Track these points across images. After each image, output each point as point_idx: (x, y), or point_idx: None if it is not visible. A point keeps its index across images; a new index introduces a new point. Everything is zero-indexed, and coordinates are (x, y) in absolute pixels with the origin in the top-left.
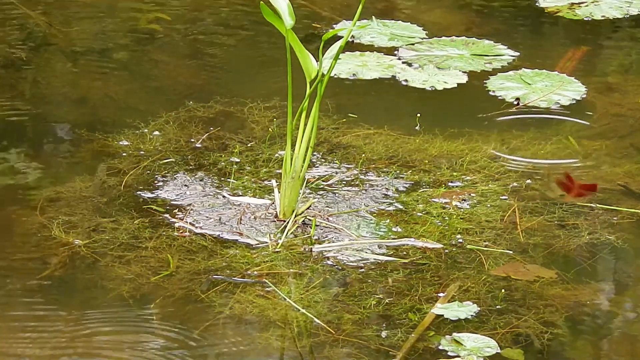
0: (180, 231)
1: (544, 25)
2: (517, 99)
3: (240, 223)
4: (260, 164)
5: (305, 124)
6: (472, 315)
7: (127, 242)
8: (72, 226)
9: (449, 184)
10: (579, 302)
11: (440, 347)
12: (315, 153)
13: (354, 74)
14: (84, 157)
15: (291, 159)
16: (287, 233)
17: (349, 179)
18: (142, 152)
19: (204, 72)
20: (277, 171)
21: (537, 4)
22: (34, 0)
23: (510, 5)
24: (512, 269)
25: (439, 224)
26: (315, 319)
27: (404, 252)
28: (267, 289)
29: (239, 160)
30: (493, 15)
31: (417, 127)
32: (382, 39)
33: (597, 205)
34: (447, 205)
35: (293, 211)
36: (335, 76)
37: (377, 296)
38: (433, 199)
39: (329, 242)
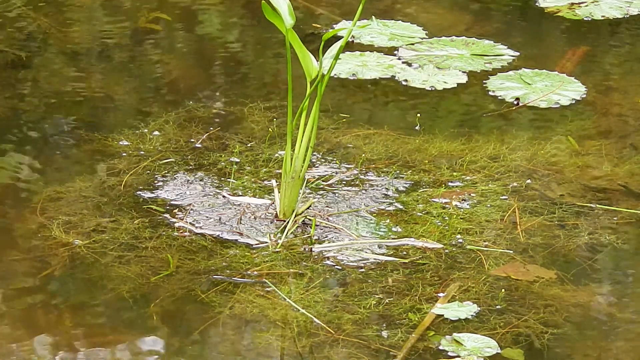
0: (180, 231)
1: (544, 25)
2: (517, 99)
3: (240, 223)
4: (260, 164)
5: (305, 124)
6: (472, 315)
7: (127, 242)
8: (72, 226)
9: (449, 184)
10: (579, 302)
11: (441, 347)
12: (315, 153)
13: (354, 74)
14: (84, 157)
15: (291, 159)
16: (287, 233)
17: (349, 179)
18: (142, 152)
19: (204, 72)
20: (277, 171)
21: (537, 4)
22: (35, 1)
23: (510, 5)
24: (512, 269)
25: (439, 224)
26: (315, 319)
27: (404, 252)
28: (267, 289)
29: (239, 160)
30: (493, 15)
31: (417, 127)
32: (382, 39)
33: (597, 205)
34: (447, 205)
35: (293, 211)
36: (335, 76)
37: (377, 296)
38: (433, 199)
39: (329, 242)
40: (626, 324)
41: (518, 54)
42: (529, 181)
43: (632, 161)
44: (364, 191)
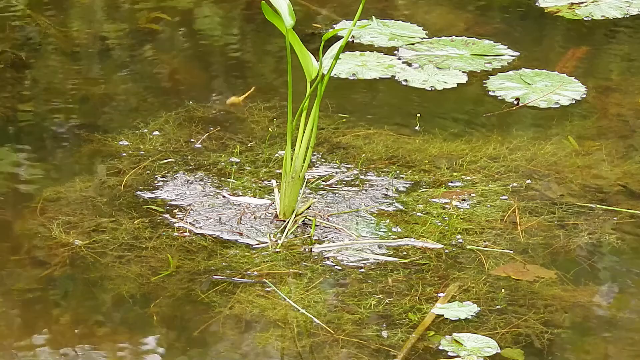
0: (180, 231)
1: (544, 25)
2: (517, 99)
3: (240, 223)
4: (260, 164)
5: (305, 124)
6: (472, 315)
7: (127, 242)
8: (72, 226)
9: (449, 184)
10: (579, 302)
11: (441, 347)
12: (315, 153)
13: (354, 74)
14: (84, 157)
15: (291, 159)
16: (287, 233)
17: (349, 179)
18: (142, 152)
19: (204, 72)
20: (277, 171)
21: (537, 4)
22: (35, 0)
23: (510, 5)
24: (512, 269)
25: (439, 224)
26: (315, 319)
27: (404, 252)
28: (267, 289)
29: (239, 160)
30: (493, 15)
31: (417, 127)
32: (382, 39)
33: (597, 205)
34: (447, 205)
35: (293, 211)
36: (335, 76)
37: (377, 296)
38: (433, 199)
39: (329, 242)
40: (626, 324)
41: (518, 54)
42: (529, 181)
43: (632, 161)
44: (364, 191)
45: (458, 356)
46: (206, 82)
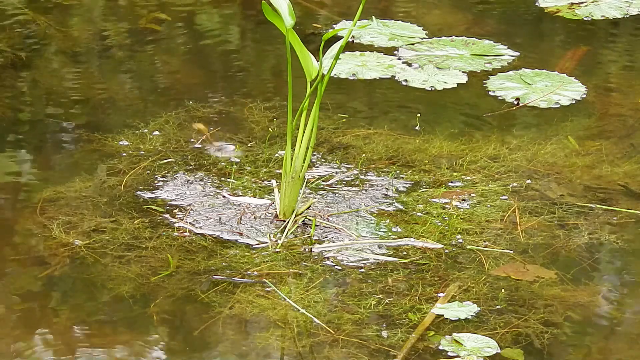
0: (180, 231)
1: (544, 25)
2: (517, 99)
3: (240, 223)
4: (260, 164)
5: (305, 124)
6: (472, 315)
7: (127, 242)
8: (72, 226)
9: (449, 184)
10: (579, 302)
11: (440, 347)
12: (315, 153)
13: (354, 74)
14: (84, 157)
15: (291, 159)
16: (287, 233)
17: (349, 179)
18: (142, 152)
19: (204, 72)
20: (277, 171)
21: (537, 4)
22: (34, 0)
23: (510, 5)
24: (512, 269)
25: (439, 224)
26: (315, 319)
27: (404, 252)
28: (267, 289)
29: (239, 160)
30: (493, 15)
31: (417, 127)
32: (382, 39)
33: (597, 205)
34: (447, 205)
35: (293, 211)
36: (335, 76)
37: (377, 296)
38: (433, 199)
39: (329, 242)
40: (626, 324)
41: (518, 54)
42: (529, 181)
43: (632, 161)
44: (364, 191)
45: (458, 356)
46: (206, 82)
